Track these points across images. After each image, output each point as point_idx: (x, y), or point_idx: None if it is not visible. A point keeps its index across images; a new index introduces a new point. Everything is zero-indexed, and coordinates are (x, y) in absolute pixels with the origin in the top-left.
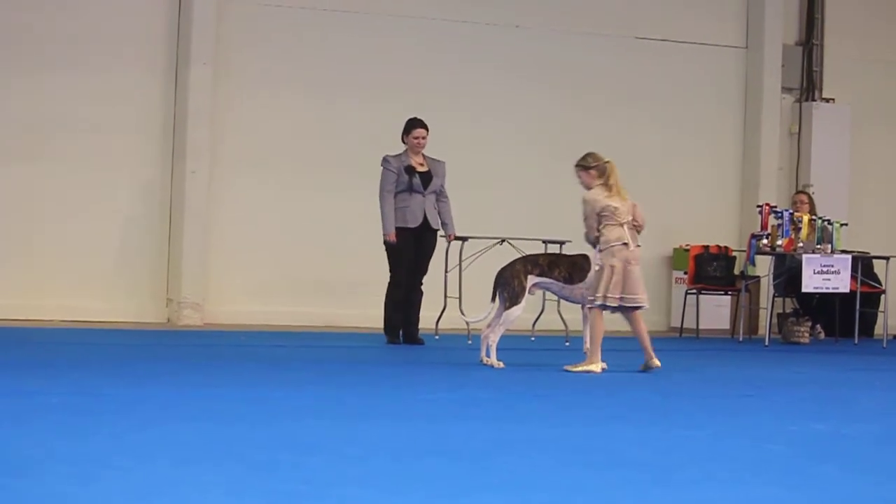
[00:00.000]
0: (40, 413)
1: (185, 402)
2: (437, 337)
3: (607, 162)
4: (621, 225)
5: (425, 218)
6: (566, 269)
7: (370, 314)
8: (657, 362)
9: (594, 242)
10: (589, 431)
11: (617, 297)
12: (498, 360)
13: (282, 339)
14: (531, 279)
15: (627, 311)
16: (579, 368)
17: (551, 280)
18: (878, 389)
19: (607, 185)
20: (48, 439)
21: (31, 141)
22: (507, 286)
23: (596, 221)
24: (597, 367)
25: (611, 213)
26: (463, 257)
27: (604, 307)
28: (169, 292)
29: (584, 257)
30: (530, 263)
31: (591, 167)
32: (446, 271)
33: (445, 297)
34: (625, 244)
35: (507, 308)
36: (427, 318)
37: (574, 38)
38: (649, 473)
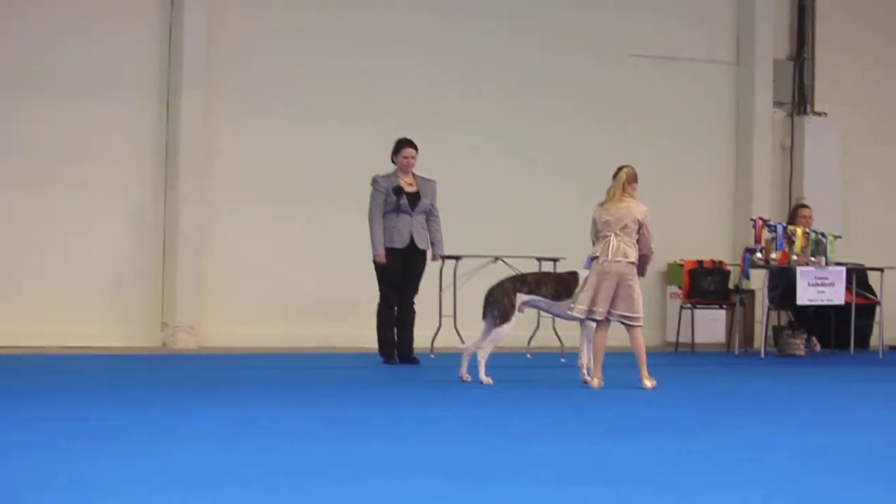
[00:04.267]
0: (37, 439)
1: (182, 425)
2: (432, 356)
3: (619, 168)
4: (605, 237)
5: (412, 238)
6: (554, 287)
7: (365, 334)
8: (647, 383)
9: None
10: (585, 448)
11: (584, 308)
12: (487, 376)
13: (277, 361)
14: (520, 297)
15: (625, 326)
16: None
17: (539, 297)
18: (874, 400)
19: (611, 195)
20: (45, 465)
21: (23, 168)
22: (498, 304)
23: (595, 233)
24: (592, 381)
25: (601, 226)
26: (457, 276)
27: (577, 318)
28: (163, 316)
29: (573, 274)
30: (519, 282)
31: (613, 178)
32: (441, 290)
33: (440, 316)
34: (596, 257)
35: (497, 325)
36: (422, 338)
37: (566, 56)
38: (647, 488)
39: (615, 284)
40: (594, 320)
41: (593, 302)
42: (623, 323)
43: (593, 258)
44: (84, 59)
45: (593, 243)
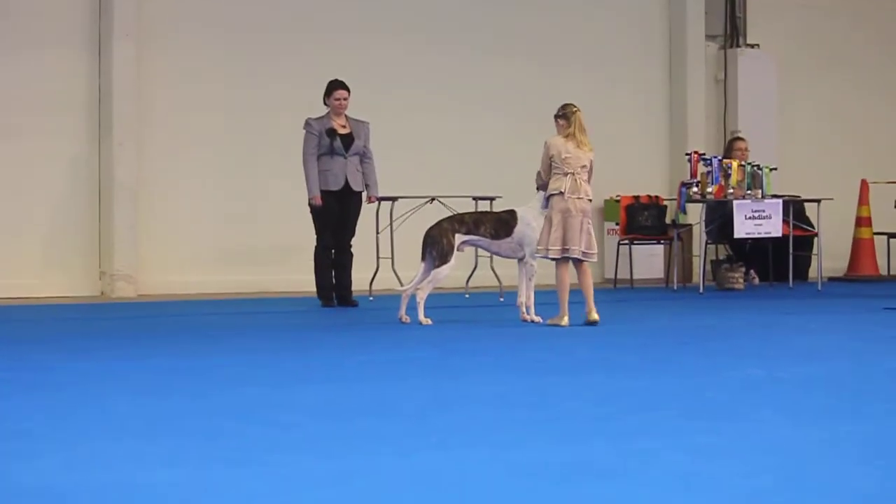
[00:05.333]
0: None
1: (123, 374)
2: (371, 298)
3: (571, 109)
4: (566, 175)
5: (347, 180)
6: (492, 226)
7: (303, 279)
8: (595, 316)
9: (543, 188)
10: (527, 385)
11: (558, 248)
12: (426, 317)
13: (216, 308)
14: (459, 237)
15: (574, 262)
16: (550, 322)
17: (478, 237)
18: (813, 333)
19: (567, 133)
20: None
21: None
22: (437, 245)
23: (548, 167)
24: (562, 319)
25: (559, 161)
26: (394, 217)
27: (550, 259)
28: (101, 265)
29: (511, 213)
30: (457, 222)
31: (558, 116)
32: (377, 232)
33: (378, 258)
34: (560, 194)
35: (436, 266)
36: (361, 280)
37: None
38: (589, 425)
39: (581, 221)
40: (568, 259)
41: (565, 241)
42: (582, 259)
43: (552, 195)
44: (13, 8)
45: (542, 176)
